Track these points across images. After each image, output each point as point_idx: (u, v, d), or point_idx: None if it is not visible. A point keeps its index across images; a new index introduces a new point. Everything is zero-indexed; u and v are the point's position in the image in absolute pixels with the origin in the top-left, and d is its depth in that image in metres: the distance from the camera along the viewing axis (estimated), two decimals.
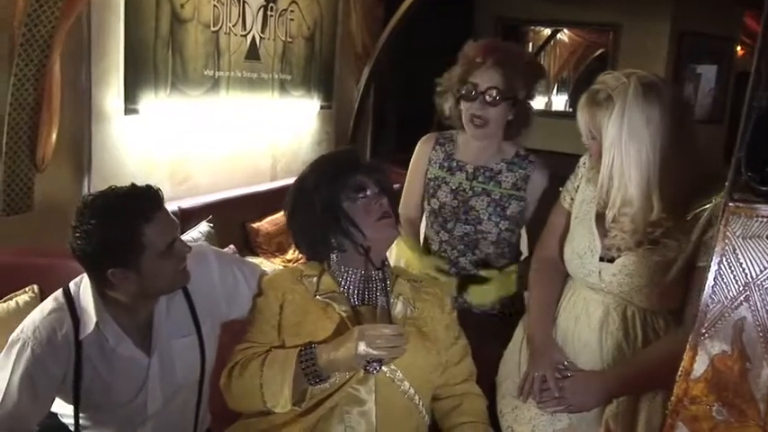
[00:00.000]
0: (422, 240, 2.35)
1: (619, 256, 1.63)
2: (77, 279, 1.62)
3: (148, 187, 1.52)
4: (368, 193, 1.59)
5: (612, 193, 1.57)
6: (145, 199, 1.50)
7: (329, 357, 1.45)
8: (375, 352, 1.41)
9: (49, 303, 1.60)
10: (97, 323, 1.54)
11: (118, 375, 1.59)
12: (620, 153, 1.52)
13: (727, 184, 1.02)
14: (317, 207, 1.58)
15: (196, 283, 1.65)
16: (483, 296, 2.15)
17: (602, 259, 1.66)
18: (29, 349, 1.52)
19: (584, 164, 1.79)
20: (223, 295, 1.72)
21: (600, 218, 1.69)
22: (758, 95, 1.00)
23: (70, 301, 1.58)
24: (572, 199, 1.81)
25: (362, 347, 1.40)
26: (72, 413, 1.62)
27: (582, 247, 1.70)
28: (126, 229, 1.46)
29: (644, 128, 1.50)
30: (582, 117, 1.61)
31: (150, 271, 1.50)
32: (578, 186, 1.80)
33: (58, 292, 1.61)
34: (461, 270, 2.22)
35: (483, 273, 2.17)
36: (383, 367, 1.50)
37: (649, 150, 1.51)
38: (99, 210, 1.47)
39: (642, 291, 1.61)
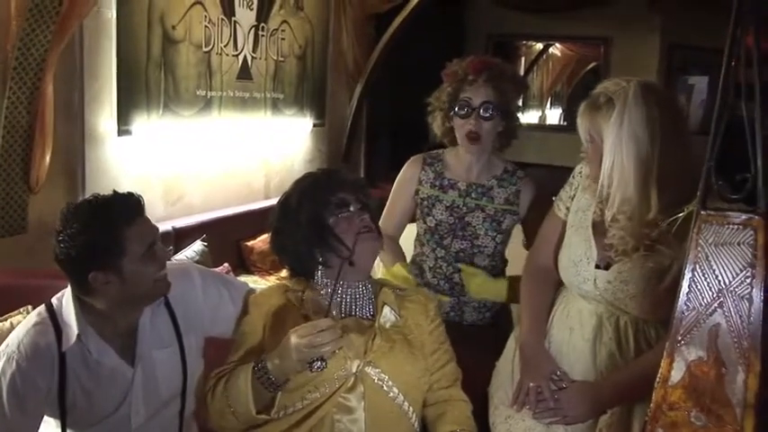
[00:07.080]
0: (409, 260, 2.36)
1: (615, 262, 1.65)
2: (59, 294, 1.63)
3: (130, 194, 1.56)
4: (351, 209, 1.65)
5: (612, 191, 1.60)
6: (126, 204, 1.54)
7: (275, 364, 1.48)
8: (306, 350, 1.42)
9: (32, 318, 1.62)
10: (79, 335, 1.56)
11: (102, 386, 1.60)
12: (621, 152, 1.55)
13: (698, 192, 1.04)
14: (302, 224, 1.64)
15: (179, 296, 1.68)
16: (480, 287, 2.15)
17: (597, 267, 1.68)
18: (14, 363, 1.53)
19: (580, 173, 1.81)
20: (206, 311, 1.74)
21: (596, 226, 1.71)
22: (727, 106, 1.02)
23: (53, 315, 1.59)
24: (567, 208, 1.83)
25: (295, 350, 1.43)
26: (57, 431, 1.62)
27: (578, 254, 1.72)
28: (108, 232, 1.49)
29: (644, 127, 1.54)
30: (582, 121, 1.65)
31: (131, 275, 1.52)
32: (573, 196, 1.82)
33: (41, 307, 1.63)
34: (454, 276, 2.25)
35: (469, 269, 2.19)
36: (372, 371, 1.53)
37: (648, 149, 1.54)
38: (82, 214, 1.50)
39: (636, 298, 1.63)
